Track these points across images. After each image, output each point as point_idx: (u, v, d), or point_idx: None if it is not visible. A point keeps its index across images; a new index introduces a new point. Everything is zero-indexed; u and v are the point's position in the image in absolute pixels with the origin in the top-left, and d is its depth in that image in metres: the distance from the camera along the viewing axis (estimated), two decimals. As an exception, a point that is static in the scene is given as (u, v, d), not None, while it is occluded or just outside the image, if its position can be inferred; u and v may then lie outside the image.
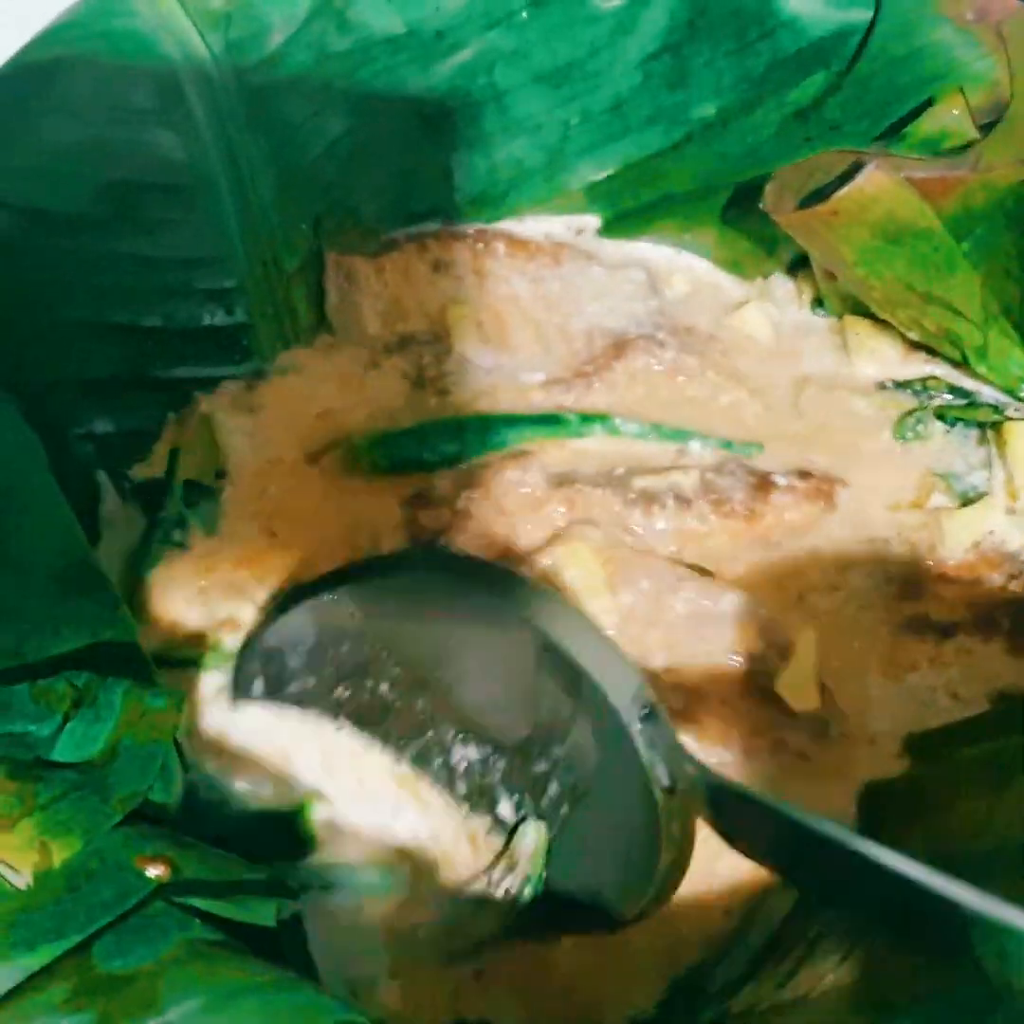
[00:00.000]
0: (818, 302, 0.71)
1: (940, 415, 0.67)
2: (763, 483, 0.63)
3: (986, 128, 0.62)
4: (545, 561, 0.59)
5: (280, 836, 0.54)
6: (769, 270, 0.73)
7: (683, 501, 0.62)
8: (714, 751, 0.56)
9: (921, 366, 0.68)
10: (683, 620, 0.58)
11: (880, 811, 0.57)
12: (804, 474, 0.64)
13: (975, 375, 0.67)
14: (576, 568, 0.59)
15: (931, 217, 0.61)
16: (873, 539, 0.63)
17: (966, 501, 0.65)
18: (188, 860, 0.45)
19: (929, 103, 0.64)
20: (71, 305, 0.63)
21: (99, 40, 0.61)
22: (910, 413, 0.67)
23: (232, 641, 0.58)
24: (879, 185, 0.60)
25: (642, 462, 0.64)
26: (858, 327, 0.69)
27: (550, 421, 0.65)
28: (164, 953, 0.41)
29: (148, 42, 0.62)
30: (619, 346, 0.67)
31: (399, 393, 0.67)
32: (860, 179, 0.60)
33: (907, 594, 0.62)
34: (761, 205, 0.64)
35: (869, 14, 0.65)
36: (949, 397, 0.68)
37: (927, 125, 0.63)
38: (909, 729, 0.58)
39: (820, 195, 0.62)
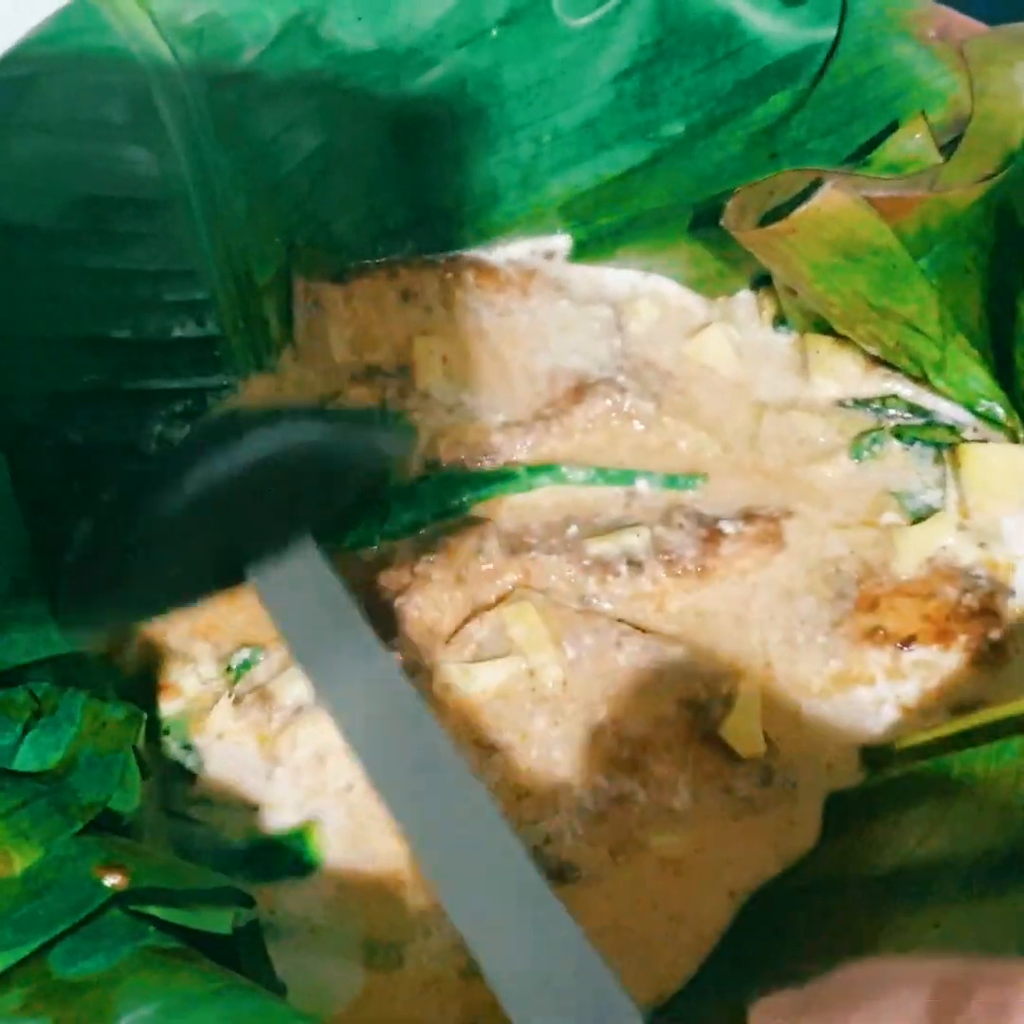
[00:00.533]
0: (781, 319, 0.72)
1: (897, 434, 0.68)
2: (712, 535, 0.64)
3: (947, 148, 0.63)
4: (493, 619, 0.61)
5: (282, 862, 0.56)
6: (735, 287, 0.74)
7: (636, 565, 0.63)
8: (661, 799, 0.57)
9: (881, 383, 0.69)
10: (627, 673, 0.60)
11: (840, 818, 0.58)
12: (750, 516, 0.65)
13: (934, 390, 0.68)
14: (521, 625, 0.60)
15: (888, 235, 0.62)
16: (824, 560, 0.64)
17: (918, 518, 0.65)
18: (145, 869, 0.45)
19: (893, 125, 0.64)
20: (41, 318, 0.63)
21: (71, 56, 0.61)
22: (867, 433, 0.68)
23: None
24: (836, 204, 0.61)
25: (592, 513, 0.65)
26: (819, 344, 0.70)
27: (503, 478, 0.66)
28: (119, 960, 0.42)
29: (120, 57, 0.63)
30: (579, 390, 0.68)
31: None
32: (817, 198, 0.60)
33: (863, 607, 0.62)
34: (722, 223, 0.65)
35: (833, 32, 0.66)
36: (908, 416, 0.68)
37: (890, 151, 0.64)
38: (864, 742, 0.59)
39: (780, 213, 0.62)
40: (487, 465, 0.67)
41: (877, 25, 0.65)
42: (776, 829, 0.58)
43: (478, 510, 0.66)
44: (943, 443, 0.68)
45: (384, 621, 0.60)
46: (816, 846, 0.58)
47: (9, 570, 0.52)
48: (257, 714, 0.59)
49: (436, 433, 0.67)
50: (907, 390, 0.69)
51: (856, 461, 0.67)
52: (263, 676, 0.60)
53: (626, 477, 0.67)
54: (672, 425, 0.68)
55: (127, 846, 0.46)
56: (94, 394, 0.66)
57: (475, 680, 0.59)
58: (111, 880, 0.44)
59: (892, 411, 0.69)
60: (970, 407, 0.67)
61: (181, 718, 0.59)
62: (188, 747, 0.59)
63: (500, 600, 0.61)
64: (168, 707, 0.60)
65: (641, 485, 0.66)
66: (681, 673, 0.59)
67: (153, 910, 0.44)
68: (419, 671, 0.59)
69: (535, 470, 0.67)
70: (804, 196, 0.61)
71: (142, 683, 0.60)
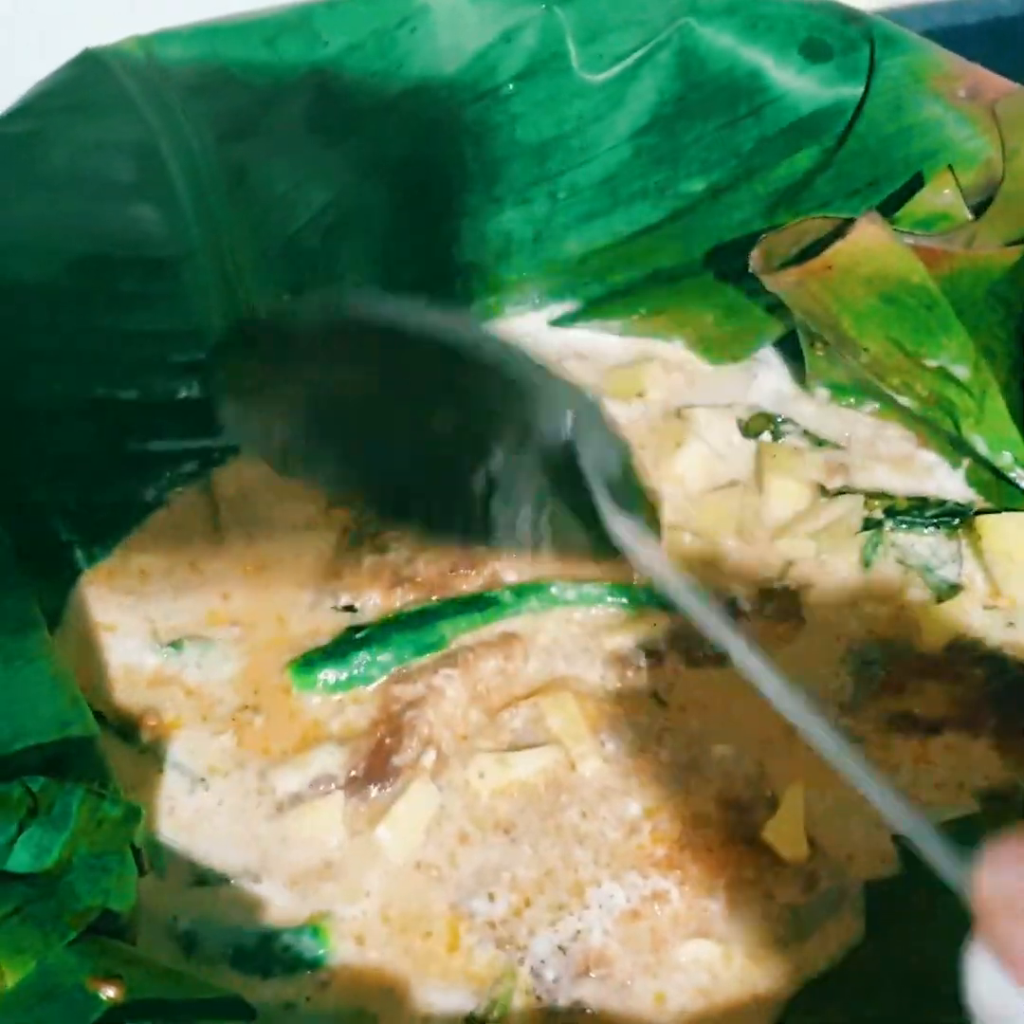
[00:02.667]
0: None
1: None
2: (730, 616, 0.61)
3: (978, 208, 0.61)
4: (529, 709, 0.59)
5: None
6: (747, 351, 0.72)
7: (655, 655, 0.61)
8: (700, 901, 0.54)
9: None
10: (667, 769, 0.57)
11: (880, 912, 0.56)
12: (767, 592, 0.63)
13: (964, 447, 0.66)
14: (560, 715, 0.58)
15: (924, 274, 0.60)
16: (849, 639, 0.62)
17: (941, 595, 0.63)
18: (140, 978, 0.43)
19: (920, 181, 0.63)
20: (47, 379, 0.62)
21: (77, 111, 0.60)
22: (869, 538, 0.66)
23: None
24: (873, 238, 0.59)
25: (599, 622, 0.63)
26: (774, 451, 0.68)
27: (485, 604, 0.62)
28: (115, 1077, 0.40)
29: (128, 113, 0.62)
30: None
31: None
32: (854, 232, 0.59)
33: (889, 690, 0.60)
34: (750, 267, 0.63)
35: (860, 90, 0.65)
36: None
37: (920, 207, 0.62)
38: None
39: (809, 255, 0.61)
40: (473, 577, 0.63)
41: (905, 84, 0.64)
42: (820, 934, 0.55)
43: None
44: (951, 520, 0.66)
45: (392, 735, 0.58)
46: (859, 943, 0.55)
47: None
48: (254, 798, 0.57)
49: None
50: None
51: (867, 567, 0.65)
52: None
53: (621, 592, 0.63)
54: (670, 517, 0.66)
55: (124, 953, 0.44)
56: (99, 456, 0.64)
57: (511, 768, 0.57)
58: (107, 992, 0.42)
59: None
60: (996, 469, 0.65)
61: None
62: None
63: (534, 692, 0.60)
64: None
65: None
66: (721, 771, 0.57)
67: (150, 1024, 0.42)
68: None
69: (521, 592, 0.63)
70: (837, 235, 0.60)
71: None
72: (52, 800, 0.44)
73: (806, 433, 0.70)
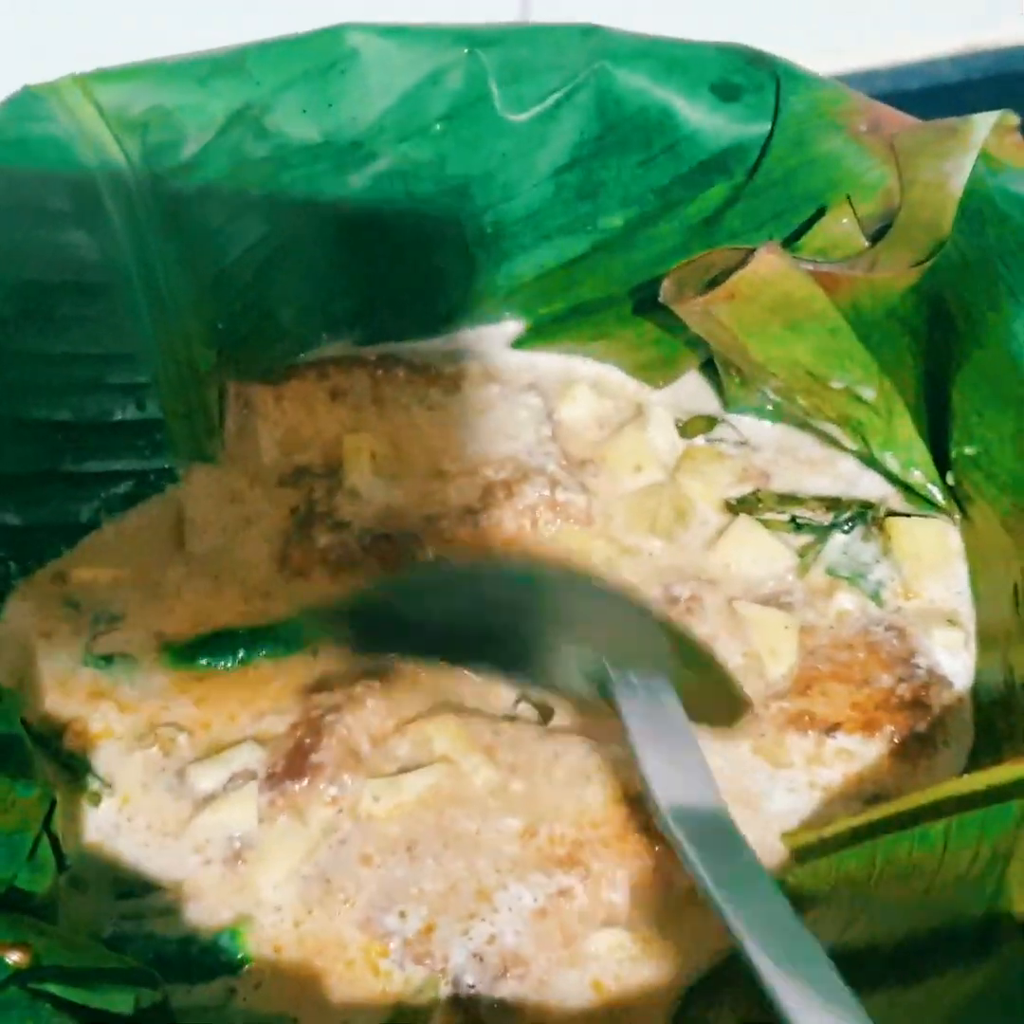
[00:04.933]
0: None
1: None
2: None
3: (876, 236, 0.64)
4: (416, 732, 0.60)
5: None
6: (679, 372, 0.74)
7: None
8: (604, 893, 0.56)
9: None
10: (561, 777, 0.59)
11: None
12: (672, 599, 0.65)
13: (877, 466, 0.68)
14: (444, 737, 0.59)
15: (825, 301, 0.63)
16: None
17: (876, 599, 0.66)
18: (50, 948, 0.44)
19: (821, 212, 0.65)
20: (-19, 401, 0.64)
21: (14, 146, 0.63)
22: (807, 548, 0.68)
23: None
24: (772, 266, 0.61)
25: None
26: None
27: None
28: (14, 1038, 0.41)
29: (65, 148, 0.64)
30: (509, 482, 0.68)
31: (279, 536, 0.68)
32: (753, 262, 0.61)
33: (796, 689, 0.62)
34: (660, 297, 0.66)
35: (767, 127, 0.67)
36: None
37: (818, 237, 0.65)
38: (786, 828, 0.59)
39: (717, 284, 0.63)
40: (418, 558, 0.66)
41: (809, 120, 0.67)
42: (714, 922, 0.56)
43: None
44: (867, 519, 0.68)
45: (312, 735, 0.59)
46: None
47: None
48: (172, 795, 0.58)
49: (363, 530, 0.67)
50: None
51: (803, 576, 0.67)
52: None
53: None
54: (599, 521, 0.68)
55: (33, 925, 0.45)
56: (34, 476, 0.66)
57: (403, 790, 0.58)
58: (12, 957, 0.43)
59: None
60: (908, 485, 0.67)
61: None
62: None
63: (417, 717, 0.61)
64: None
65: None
66: (612, 769, 0.58)
67: (53, 988, 0.42)
68: (343, 787, 0.58)
69: None
70: (740, 266, 0.62)
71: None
72: (-36, 782, 0.45)
73: (740, 441, 0.72)
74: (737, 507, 0.68)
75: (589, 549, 0.68)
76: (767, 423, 0.73)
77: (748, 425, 0.73)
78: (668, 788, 0.53)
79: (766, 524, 0.68)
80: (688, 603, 0.65)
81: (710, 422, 0.72)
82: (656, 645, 0.59)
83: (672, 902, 0.56)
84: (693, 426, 0.72)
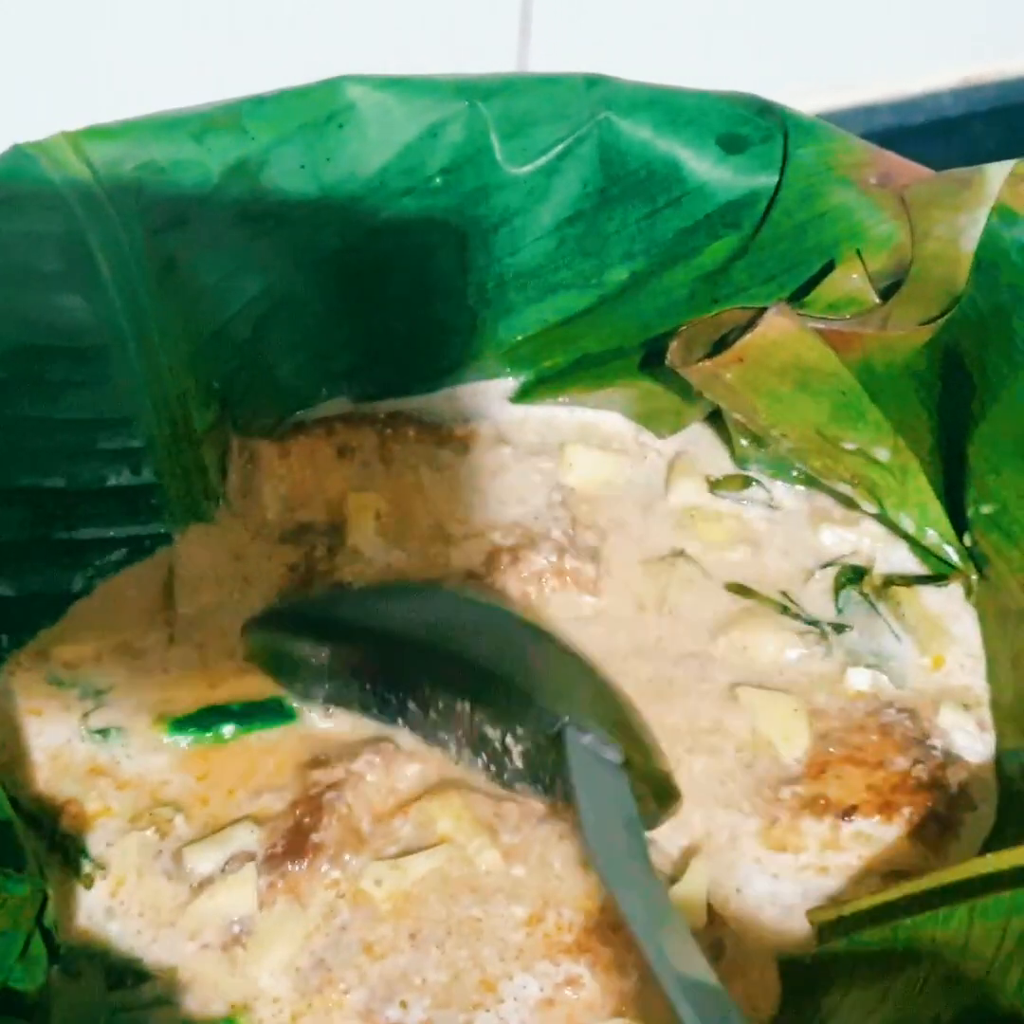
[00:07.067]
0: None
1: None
2: None
3: (887, 292, 0.62)
4: (417, 813, 0.58)
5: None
6: (687, 421, 0.73)
7: None
8: (613, 981, 0.54)
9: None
10: (564, 856, 0.57)
11: (795, 987, 0.55)
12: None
13: (893, 527, 0.67)
14: (448, 817, 0.58)
15: (836, 361, 0.61)
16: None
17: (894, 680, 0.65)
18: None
19: (832, 266, 0.64)
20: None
21: (4, 206, 0.61)
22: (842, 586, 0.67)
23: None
24: (782, 329, 0.60)
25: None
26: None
27: None
28: None
29: (56, 208, 0.62)
30: (515, 548, 0.67)
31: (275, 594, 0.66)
32: (762, 325, 0.60)
33: (811, 773, 0.61)
34: (667, 361, 0.65)
35: (775, 179, 0.66)
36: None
37: (828, 291, 0.63)
38: (809, 904, 0.57)
39: (724, 345, 0.62)
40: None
41: (818, 172, 0.66)
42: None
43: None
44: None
45: (312, 814, 0.57)
46: (776, 1015, 0.55)
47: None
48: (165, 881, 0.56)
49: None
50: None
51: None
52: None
53: None
54: (607, 591, 0.67)
55: (25, 1029, 0.44)
56: (25, 544, 0.64)
57: (407, 872, 0.56)
58: (2, 1071, 0.41)
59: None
60: (924, 547, 0.66)
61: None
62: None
63: (419, 796, 0.59)
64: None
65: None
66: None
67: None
68: (344, 868, 0.57)
69: None
70: (749, 327, 0.60)
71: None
72: (-48, 880, 0.44)
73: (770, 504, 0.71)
74: (742, 592, 0.67)
75: (592, 619, 0.66)
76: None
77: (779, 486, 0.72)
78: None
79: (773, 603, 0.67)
80: (692, 684, 0.64)
81: (745, 481, 0.71)
82: (611, 710, 0.58)
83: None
84: (726, 484, 0.71)
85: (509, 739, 0.57)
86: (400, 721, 0.60)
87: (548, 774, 0.57)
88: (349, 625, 0.62)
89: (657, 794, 0.58)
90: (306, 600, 0.65)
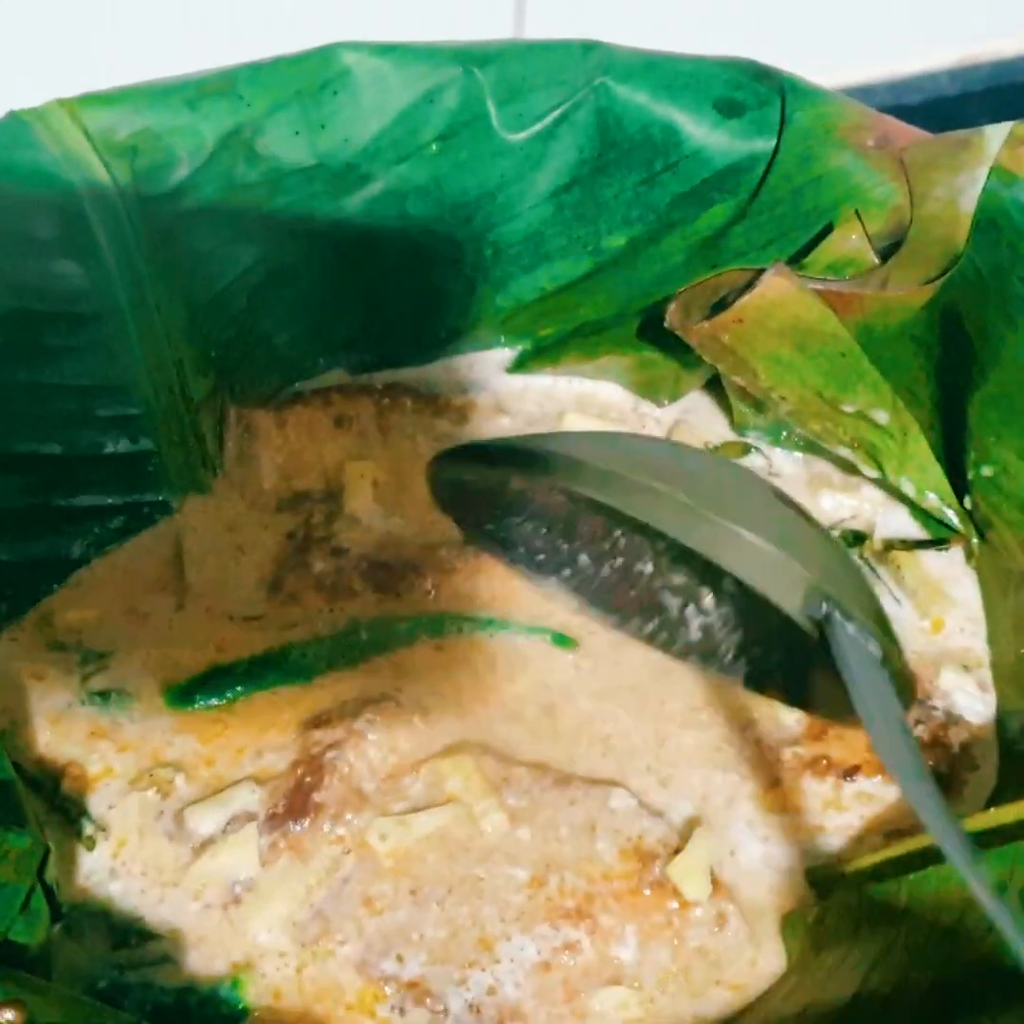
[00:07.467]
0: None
1: None
2: None
3: (886, 253, 0.62)
4: (429, 772, 0.58)
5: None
6: (685, 390, 0.73)
7: None
8: (611, 949, 0.54)
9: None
10: (571, 823, 0.57)
11: (798, 944, 0.55)
12: None
13: (893, 490, 0.67)
14: (458, 776, 0.58)
15: (835, 322, 0.61)
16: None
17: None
18: (45, 1005, 0.43)
19: (831, 229, 0.64)
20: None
21: (1, 173, 0.61)
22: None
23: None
24: (781, 290, 0.60)
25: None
26: None
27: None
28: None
29: (51, 175, 0.62)
30: None
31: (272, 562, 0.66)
32: (761, 285, 0.60)
33: (811, 735, 0.61)
34: (666, 323, 0.64)
35: (772, 144, 0.66)
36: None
37: (827, 253, 0.63)
38: (808, 865, 0.57)
39: (723, 307, 0.61)
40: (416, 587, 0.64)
41: (815, 135, 0.65)
42: (736, 973, 0.54)
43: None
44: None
45: (312, 773, 0.57)
46: (777, 980, 0.55)
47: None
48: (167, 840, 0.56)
49: (361, 557, 0.65)
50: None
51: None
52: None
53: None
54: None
55: (27, 981, 0.44)
56: (23, 511, 0.64)
57: (412, 828, 0.56)
58: (6, 1015, 0.41)
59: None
60: (924, 510, 0.66)
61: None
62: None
63: (431, 756, 0.59)
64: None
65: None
66: (628, 818, 0.57)
67: (47, 1051, 0.41)
68: (347, 826, 0.56)
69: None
70: (748, 289, 0.60)
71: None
72: (-46, 832, 0.44)
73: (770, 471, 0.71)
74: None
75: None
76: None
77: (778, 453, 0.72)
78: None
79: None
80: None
81: (744, 448, 0.71)
82: (863, 587, 0.55)
83: (680, 961, 0.54)
84: (725, 450, 0.71)
85: (691, 609, 0.56)
86: (560, 575, 0.59)
87: (733, 649, 0.56)
88: (559, 458, 0.56)
89: (900, 691, 0.55)
90: (506, 439, 0.63)
